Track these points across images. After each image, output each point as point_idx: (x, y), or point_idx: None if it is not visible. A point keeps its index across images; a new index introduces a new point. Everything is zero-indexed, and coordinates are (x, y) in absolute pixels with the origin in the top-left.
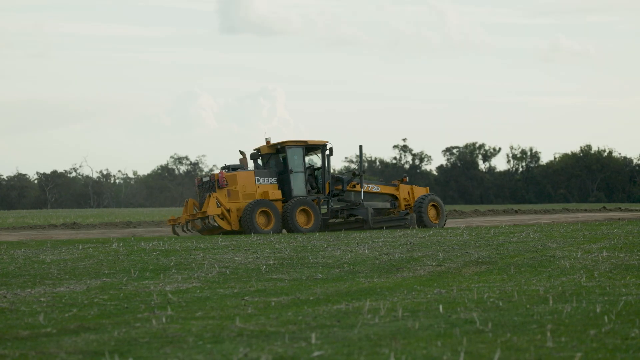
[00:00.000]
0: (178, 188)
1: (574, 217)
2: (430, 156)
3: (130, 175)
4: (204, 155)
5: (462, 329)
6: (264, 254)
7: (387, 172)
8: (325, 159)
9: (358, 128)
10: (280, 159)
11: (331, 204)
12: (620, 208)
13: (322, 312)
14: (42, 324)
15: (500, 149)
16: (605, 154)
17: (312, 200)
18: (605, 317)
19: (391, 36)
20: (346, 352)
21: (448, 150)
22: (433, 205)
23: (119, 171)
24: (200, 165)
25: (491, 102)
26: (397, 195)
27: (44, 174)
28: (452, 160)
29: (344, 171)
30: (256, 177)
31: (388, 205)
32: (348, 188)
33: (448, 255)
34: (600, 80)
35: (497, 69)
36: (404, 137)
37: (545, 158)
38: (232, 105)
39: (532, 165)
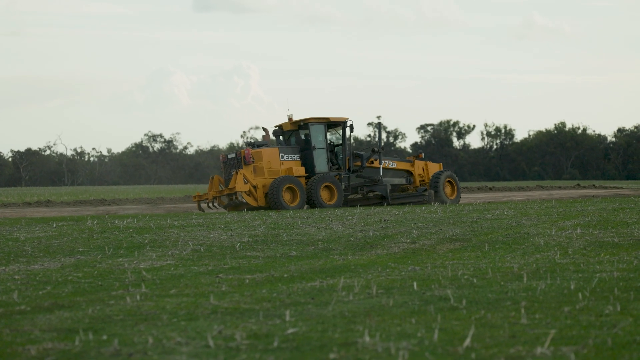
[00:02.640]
0: (152, 166)
1: (548, 195)
2: (404, 133)
3: (105, 153)
4: (178, 133)
5: (437, 306)
6: (238, 231)
7: (362, 149)
8: (346, 135)
9: (332, 105)
10: (302, 135)
11: (346, 180)
12: (594, 185)
13: (297, 289)
14: (16, 302)
15: (474, 126)
16: (580, 131)
17: (334, 176)
18: (580, 294)
19: (365, 13)
20: (320, 329)
21: (422, 127)
22: (449, 181)
23: (93, 149)
24: (174, 142)
25: (465, 79)
26: (412, 171)
27: (18, 151)
28: (426, 137)
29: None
30: (280, 154)
31: (404, 181)
32: (366, 164)
33: (422, 233)
34: (574, 58)
35: (471, 46)
36: (378, 115)
37: (519, 135)
38: (206, 82)
39: (506, 142)
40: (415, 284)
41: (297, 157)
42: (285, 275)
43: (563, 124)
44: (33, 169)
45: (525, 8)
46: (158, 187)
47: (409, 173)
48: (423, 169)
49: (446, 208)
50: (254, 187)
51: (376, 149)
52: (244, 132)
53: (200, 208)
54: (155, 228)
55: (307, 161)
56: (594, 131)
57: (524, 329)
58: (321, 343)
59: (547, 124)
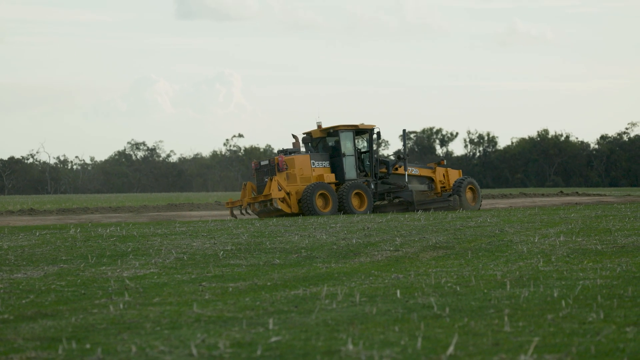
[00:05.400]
0: (135, 174)
1: (531, 202)
2: (387, 141)
3: (88, 161)
4: (161, 141)
5: (420, 314)
6: (221, 239)
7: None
8: (373, 142)
9: (315, 113)
10: (331, 142)
11: (373, 186)
12: (577, 192)
13: (280, 297)
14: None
15: (457, 133)
16: (563, 138)
17: (363, 182)
18: (563, 302)
19: (348, 20)
20: (304, 338)
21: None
22: (470, 188)
23: (76, 157)
24: (157, 150)
25: (448, 86)
26: (434, 178)
27: (1, 160)
28: (409, 145)
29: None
30: (312, 161)
31: (425, 187)
32: (392, 171)
33: (405, 240)
34: (557, 65)
35: (453, 53)
36: (360, 122)
37: (502, 143)
38: (189, 90)
39: (489, 149)
40: (398, 292)
41: (327, 164)
42: (269, 284)
43: (546, 131)
44: (16, 177)
45: (508, 15)
46: (141, 195)
47: (431, 179)
48: (444, 176)
49: (429, 215)
50: (287, 193)
51: (402, 156)
52: (227, 139)
53: (232, 214)
54: (139, 236)
55: (336, 168)
56: (577, 138)
57: (507, 336)
58: (304, 351)
59: (530, 131)
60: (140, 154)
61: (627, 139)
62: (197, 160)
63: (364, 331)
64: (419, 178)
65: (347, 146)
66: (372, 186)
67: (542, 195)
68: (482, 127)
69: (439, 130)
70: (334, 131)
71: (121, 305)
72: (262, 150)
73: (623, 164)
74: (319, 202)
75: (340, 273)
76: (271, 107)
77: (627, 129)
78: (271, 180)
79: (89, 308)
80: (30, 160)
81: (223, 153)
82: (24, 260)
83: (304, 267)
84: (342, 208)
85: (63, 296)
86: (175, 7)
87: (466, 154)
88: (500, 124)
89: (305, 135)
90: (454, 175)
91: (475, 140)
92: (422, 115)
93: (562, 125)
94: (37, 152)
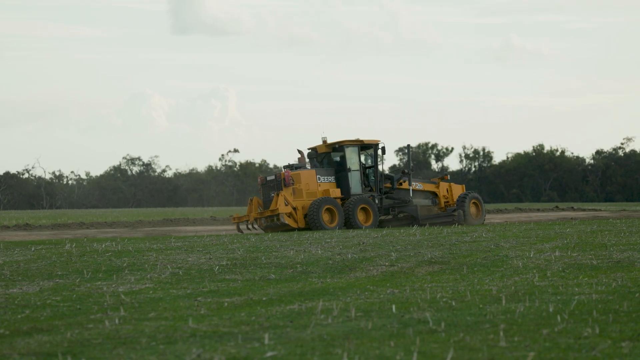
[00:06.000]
0: (130, 189)
1: (527, 217)
2: (383, 156)
3: (83, 176)
4: (156, 156)
5: (415, 329)
6: (216, 254)
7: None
8: (378, 157)
9: (310, 128)
10: (336, 158)
11: (377, 201)
12: (572, 207)
13: (275, 312)
14: None
15: (452, 148)
16: (558, 153)
17: (369, 197)
18: (558, 317)
19: (343, 35)
20: (299, 353)
21: (401, 150)
22: (474, 202)
23: (72, 172)
24: (153, 165)
25: (443, 101)
26: (437, 193)
27: None
28: (404, 160)
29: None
30: (317, 176)
31: (429, 202)
32: (396, 186)
33: (401, 255)
34: (552, 80)
35: (449, 69)
36: (356, 138)
37: (497, 158)
38: (184, 105)
39: (484, 164)
40: (394, 307)
41: (332, 179)
42: (264, 299)
43: (541, 146)
44: (11, 192)
45: (504, 30)
46: (136, 210)
47: (434, 194)
48: (447, 191)
49: (425, 230)
50: (294, 208)
51: (406, 171)
52: (222, 155)
53: (239, 229)
54: (134, 251)
55: (342, 183)
56: (572, 153)
57: (503, 351)
58: None
59: (525, 146)
60: (135, 169)
61: (622, 154)
62: (192, 175)
63: (359, 346)
64: (423, 193)
65: (352, 161)
66: (377, 201)
67: (538, 210)
68: (478, 142)
69: (434, 145)
70: (339, 146)
71: (117, 320)
72: (257, 165)
73: (618, 179)
74: (325, 217)
75: (335, 288)
76: (266, 122)
77: (622, 144)
78: (277, 195)
79: (84, 323)
80: (26, 175)
81: (218, 168)
82: (19, 275)
83: (299, 282)
84: (348, 223)
85: (59, 311)
86: (170, 22)
87: (461, 169)
88: (496, 139)
89: (310, 150)
90: (457, 190)
91: (471, 155)
92: (417, 130)
93: (558, 140)
94: (33, 167)
